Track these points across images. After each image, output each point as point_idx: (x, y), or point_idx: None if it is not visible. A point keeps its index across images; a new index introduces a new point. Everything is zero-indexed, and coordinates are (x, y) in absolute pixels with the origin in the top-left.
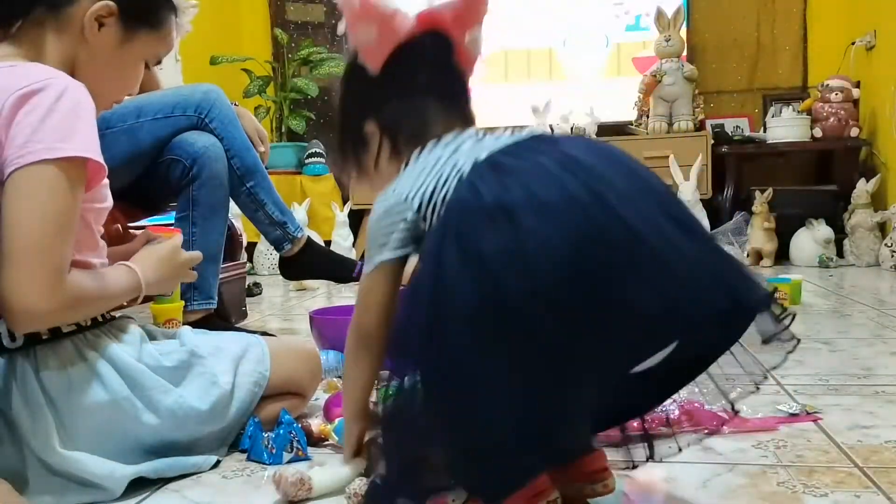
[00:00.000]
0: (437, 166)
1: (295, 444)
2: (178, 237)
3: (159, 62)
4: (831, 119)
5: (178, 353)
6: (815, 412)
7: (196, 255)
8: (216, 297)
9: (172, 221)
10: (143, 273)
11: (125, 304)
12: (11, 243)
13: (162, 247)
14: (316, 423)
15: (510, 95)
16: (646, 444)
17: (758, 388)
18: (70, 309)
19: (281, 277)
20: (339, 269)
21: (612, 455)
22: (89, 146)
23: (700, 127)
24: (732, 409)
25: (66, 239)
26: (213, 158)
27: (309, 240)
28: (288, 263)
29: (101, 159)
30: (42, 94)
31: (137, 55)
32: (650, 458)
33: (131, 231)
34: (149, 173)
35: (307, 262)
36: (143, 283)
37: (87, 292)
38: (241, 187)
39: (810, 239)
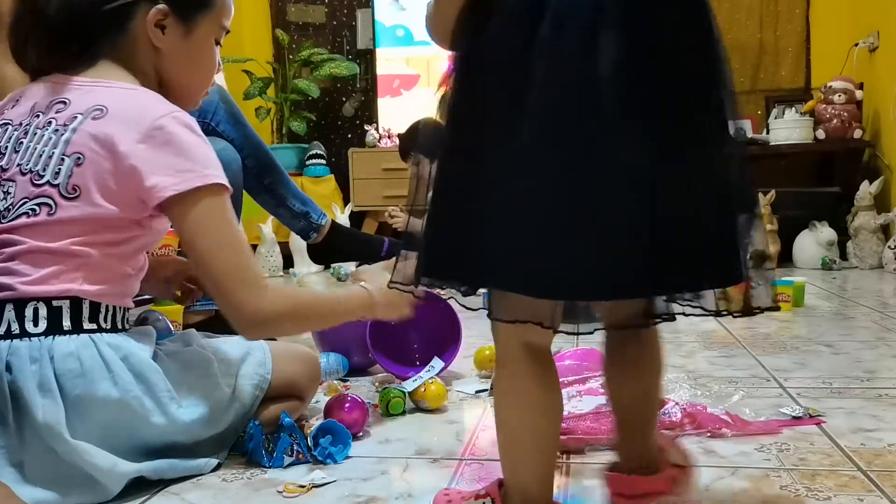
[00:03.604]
0: None
1: (295, 446)
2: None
3: (228, 31)
4: (834, 121)
5: (181, 354)
6: (818, 415)
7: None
8: None
9: None
10: (373, 292)
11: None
12: (225, 264)
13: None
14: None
15: None
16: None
17: None
18: (290, 315)
19: (281, 280)
20: (368, 249)
21: (609, 455)
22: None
23: None
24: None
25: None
26: (228, 161)
27: (334, 223)
28: (316, 249)
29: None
30: (174, 126)
31: (206, 38)
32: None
33: None
34: None
35: (335, 246)
36: (371, 300)
37: (294, 300)
38: (259, 185)
39: (813, 241)
